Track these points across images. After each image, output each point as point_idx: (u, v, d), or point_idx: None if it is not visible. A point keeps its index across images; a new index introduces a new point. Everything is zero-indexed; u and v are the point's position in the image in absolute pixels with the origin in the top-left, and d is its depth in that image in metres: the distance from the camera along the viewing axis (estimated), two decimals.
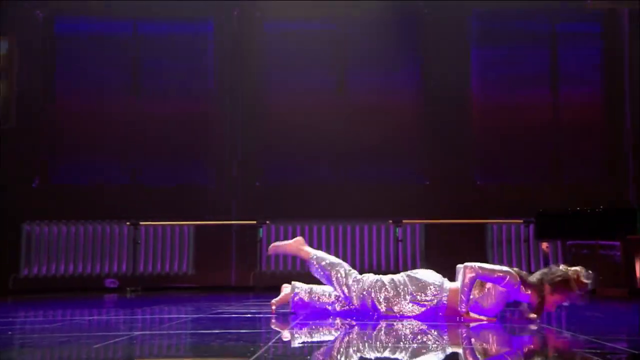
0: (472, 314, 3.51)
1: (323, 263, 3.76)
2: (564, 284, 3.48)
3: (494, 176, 7.99)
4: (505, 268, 3.57)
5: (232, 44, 8.22)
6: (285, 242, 4.02)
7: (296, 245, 3.91)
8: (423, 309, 3.58)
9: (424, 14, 8.15)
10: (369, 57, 8.17)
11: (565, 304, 3.58)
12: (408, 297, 3.60)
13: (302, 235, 7.92)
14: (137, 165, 8.18)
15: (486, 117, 8.08)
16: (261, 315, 3.96)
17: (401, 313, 3.59)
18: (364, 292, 3.65)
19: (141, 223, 7.46)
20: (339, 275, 3.70)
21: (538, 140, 7.99)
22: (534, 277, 3.58)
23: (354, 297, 3.66)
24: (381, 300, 3.62)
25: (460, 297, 3.50)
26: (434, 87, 8.06)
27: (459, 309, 3.50)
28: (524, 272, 3.64)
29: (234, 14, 8.23)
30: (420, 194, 7.91)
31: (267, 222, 7.50)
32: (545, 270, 3.60)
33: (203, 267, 7.84)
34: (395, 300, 3.61)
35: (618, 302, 5.83)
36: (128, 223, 7.50)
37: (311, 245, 7.88)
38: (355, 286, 3.67)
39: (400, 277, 3.72)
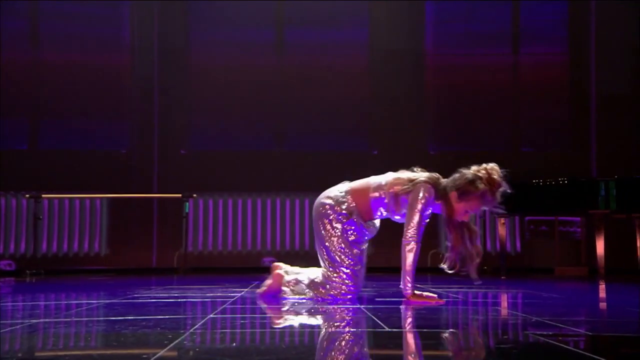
0: (418, 294, 3.57)
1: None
2: (470, 185, 3.47)
3: (448, 145, 8.14)
4: (420, 195, 3.51)
5: None
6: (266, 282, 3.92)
7: (277, 278, 3.86)
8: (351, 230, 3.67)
9: None
10: (311, 11, 8.10)
11: (482, 209, 3.55)
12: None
13: (235, 210, 7.92)
14: (37, 127, 7.90)
15: (440, 79, 8.19)
16: (185, 300, 3.93)
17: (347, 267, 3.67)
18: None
19: (43, 195, 7.23)
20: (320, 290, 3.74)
21: (496, 104, 8.18)
22: (442, 185, 3.57)
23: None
24: (325, 290, 3.70)
25: (405, 278, 3.53)
26: (383, 45, 8.10)
27: (404, 292, 3.54)
28: (435, 177, 3.61)
29: None
30: (367, 165, 7.94)
31: (194, 195, 7.41)
32: (454, 175, 3.57)
33: (119, 246, 7.72)
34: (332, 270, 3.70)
35: (577, 281, 6.09)
36: (27, 195, 7.26)
37: (244, 221, 7.94)
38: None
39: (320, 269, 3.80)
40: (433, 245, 7.87)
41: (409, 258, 3.51)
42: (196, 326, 2.64)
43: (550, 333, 2.51)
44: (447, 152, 8.07)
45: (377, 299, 3.85)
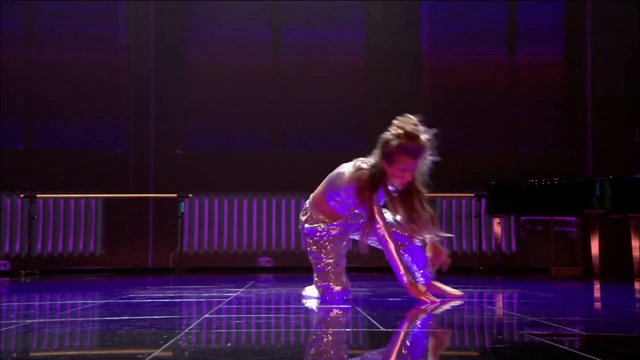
0: (419, 287, 3.53)
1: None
2: (388, 145, 3.44)
3: (444, 144, 8.10)
4: (371, 212, 3.47)
5: None
6: None
7: None
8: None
9: None
10: (307, 11, 8.10)
11: (420, 163, 3.47)
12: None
13: (230, 210, 7.91)
14: (33, 126, 7.89)
15: (437, 78, 8.20)
16: (181, 300, 3.92)
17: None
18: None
19: (38, 195, 7.22)
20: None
21: (493, 104, 8.20)
22: (375, 166, 3.52)
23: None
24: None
25: (397, 272, 3.49)
26: (379, 45, 8.10)
27: (401, 283, 3.50)
28: (372, 165, 3.52)
29: None
30: None
31: (190, 195, 7.41)
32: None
33: (114, 246, 7.71)
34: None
35: (573, 281, 6.11)
36: (22, 195, 7.24)
37: (240, 221, 7.92)
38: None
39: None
40: None
41: (390, 251, 3.47)
42: (191, 326, 2.64)
43: (546, 333, 2.52)
44: (444, 151, 8.04)
45: (372, 299, 3.86)
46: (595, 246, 6.20)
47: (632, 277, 6.20)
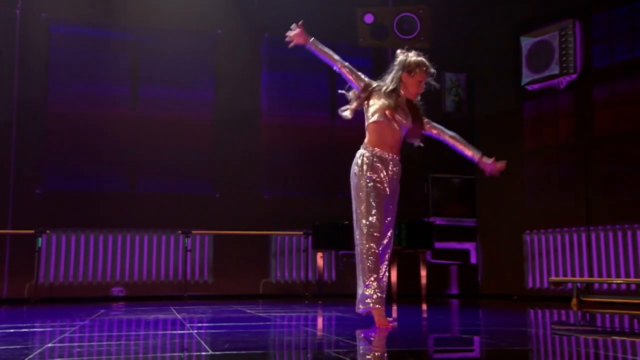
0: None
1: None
2: (406, 63, 3.72)
3: (279, 191, 8.25)
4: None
5: (12, 43, 7.39)
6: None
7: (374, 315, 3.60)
8: None
9: (218, 34, 8.18)
10: (164, 70, 7.94)
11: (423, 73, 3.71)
12: None
13: (87, 245, 7.38)
14: None
15: (273, 135, 8.33)
16: (29, 330, 3.56)
17: None
18: None
19: None
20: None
21: (317, 157, 8.45)
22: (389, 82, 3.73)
23: None
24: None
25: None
26: (226, 104, 8.10)
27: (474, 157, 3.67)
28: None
29: (17, 13, 7.41)
30: (210, 206, 7.86)
31: (47, 231, 6.84)
32: (388, 74, 3.77)
33: None
34: None
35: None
36: None
37: (95, 255, 7.41)
38: None
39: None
40: (264, 274, 7.86)
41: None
42: (31, 356, 2.39)
43: (346, 350, 2.58)
44: (278, 197, 8.17)
45: (210, 324, 3.75)
46: (393, 275, 6.53)
47: (420, 300, 6.58)
